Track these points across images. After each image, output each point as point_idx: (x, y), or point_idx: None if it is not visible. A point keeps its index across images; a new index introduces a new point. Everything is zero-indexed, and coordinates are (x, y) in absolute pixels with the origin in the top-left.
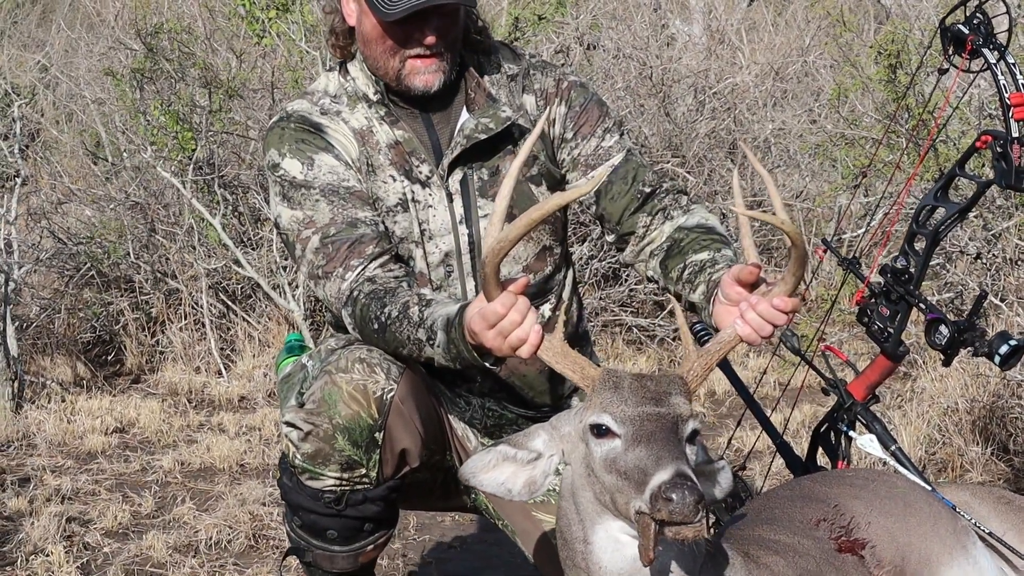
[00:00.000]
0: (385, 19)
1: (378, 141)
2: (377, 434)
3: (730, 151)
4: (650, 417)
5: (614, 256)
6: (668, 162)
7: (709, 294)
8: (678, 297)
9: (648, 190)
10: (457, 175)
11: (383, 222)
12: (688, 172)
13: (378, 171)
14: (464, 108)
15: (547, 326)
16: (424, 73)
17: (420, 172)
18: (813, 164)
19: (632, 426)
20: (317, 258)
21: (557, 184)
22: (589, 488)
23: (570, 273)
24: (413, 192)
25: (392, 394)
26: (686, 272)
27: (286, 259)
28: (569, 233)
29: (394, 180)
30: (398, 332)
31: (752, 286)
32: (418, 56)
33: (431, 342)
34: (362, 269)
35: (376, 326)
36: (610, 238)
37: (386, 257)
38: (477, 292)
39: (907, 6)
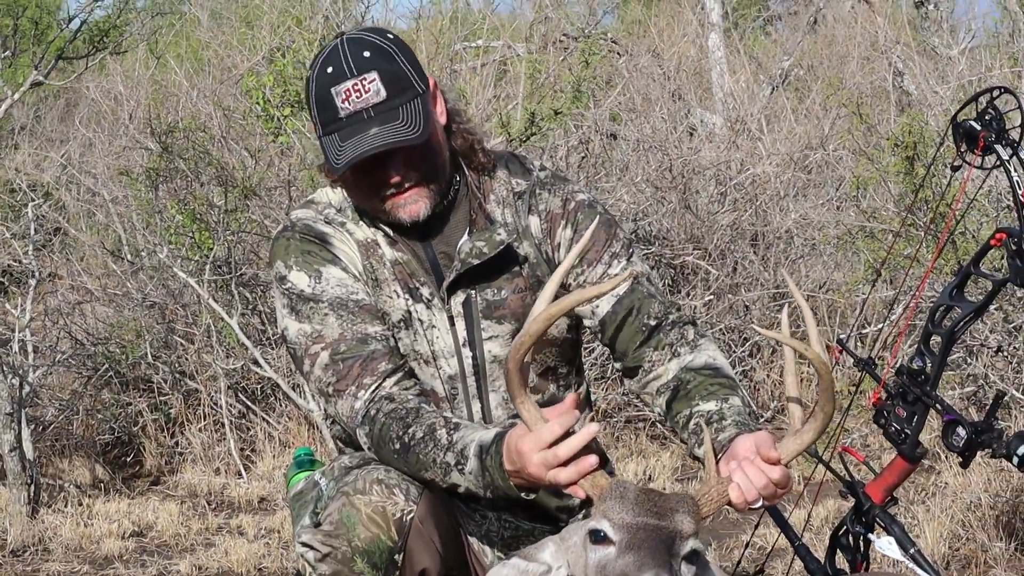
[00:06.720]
0: (334, 173)
1: (382, 255)
2: (397, 556)
3: (752, 242)
4: (646, 527)
5: None
6: (690, 254)
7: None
8: (684, 442)
9: (653, 323)
10: (459, 297)
11: (393, 336)
12: (710, 265)
13: (383, 285)
14: (467, 229)
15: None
16: (406, 205)
17: (421, 293)
18: (837, 255)
19: (627, 534)
20: (327, 375)
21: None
22: None
23: (582, 391)
24: (417, 311)
25: (412, 515)
26: (691, 423)
27: None
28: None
29: (398, 296)
30: (422, 454)
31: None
32: (393, 195)
33: (460, 467)
34: (376, 387)
35: (398, 446)
36: (617, 366)
37: (400, 374)
38: (484, 415)
39: (928, 91)
